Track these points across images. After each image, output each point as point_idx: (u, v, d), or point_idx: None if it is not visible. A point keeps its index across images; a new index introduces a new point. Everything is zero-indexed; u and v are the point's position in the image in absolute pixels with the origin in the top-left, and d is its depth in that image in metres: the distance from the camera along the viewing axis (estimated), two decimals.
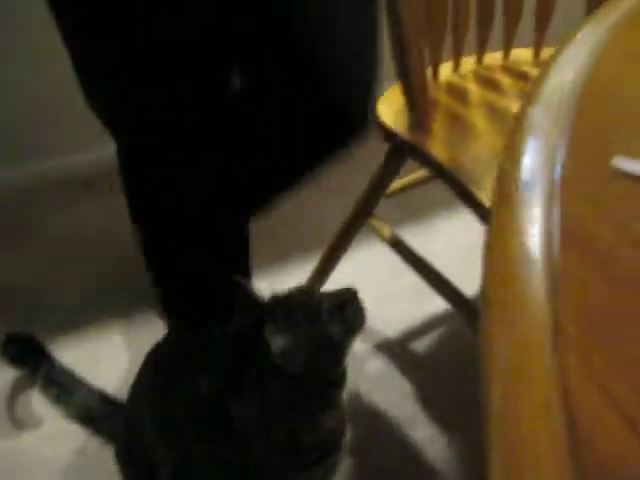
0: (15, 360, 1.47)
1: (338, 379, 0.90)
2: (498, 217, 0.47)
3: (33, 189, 2.02)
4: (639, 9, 0.82)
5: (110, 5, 0.87)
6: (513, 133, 0.60)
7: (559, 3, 1.35)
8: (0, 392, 1.49)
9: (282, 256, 1.78)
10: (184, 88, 0.96)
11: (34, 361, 1.44)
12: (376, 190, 1.36)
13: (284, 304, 0.88)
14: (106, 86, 0.99)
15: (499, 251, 0.45)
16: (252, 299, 0.89)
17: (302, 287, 0.92)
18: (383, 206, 1.40)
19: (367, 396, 1.41)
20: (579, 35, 0.79)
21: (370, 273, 1.66)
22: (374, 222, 1.40)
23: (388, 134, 1.24)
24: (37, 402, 1.45)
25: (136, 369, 1.16)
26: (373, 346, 1.52)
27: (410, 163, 1.27)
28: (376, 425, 1.37)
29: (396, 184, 1.40)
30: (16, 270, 1.79)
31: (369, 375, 1.47)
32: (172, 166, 1.05)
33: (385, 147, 1.29)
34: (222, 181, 1.10)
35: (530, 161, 0.53)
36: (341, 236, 1.47)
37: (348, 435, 0.96)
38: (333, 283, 1.54)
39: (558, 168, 0.51)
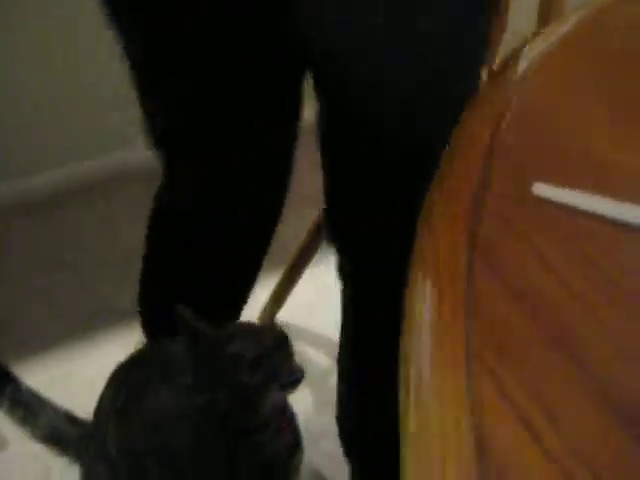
0: None
1: (261, 424, 0.89)
2: (420, 240, 0.49)
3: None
4: (579, 29, 0.85)
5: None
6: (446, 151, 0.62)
7: (511, 19, 1.38)
8: None
9: None
10: (178, 87, 0.95)
11: None
12: None
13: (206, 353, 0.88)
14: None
15: (421, 272, 0.47)
16: (192, 330, 0.89)
17: (235, 327, 0.91)
18: None
19: (329, 412, 1.42)
20: (521, 54, 0.81)
21: (332, 290, 1.67)
22: None
23: None
24: (2, 424, 1.45)
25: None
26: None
27: None
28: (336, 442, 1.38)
29: None
30: None
31: (332, 389, 1.48)
32: (172, 167, 1.05)
33: None
34: (217, 179, 1.08)
35: (454, 183, 0.56)
36: (303, 250, 1.48)
37: (300, 459, 0.96)
38: (293, 300, 1.55)
39: (482, 191, 0.54)
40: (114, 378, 1.15)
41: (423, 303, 0.45)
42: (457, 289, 0.44)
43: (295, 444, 0.94)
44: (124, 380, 1.13)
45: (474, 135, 0.61)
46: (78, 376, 1.57)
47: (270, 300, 1.55)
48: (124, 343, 1.59)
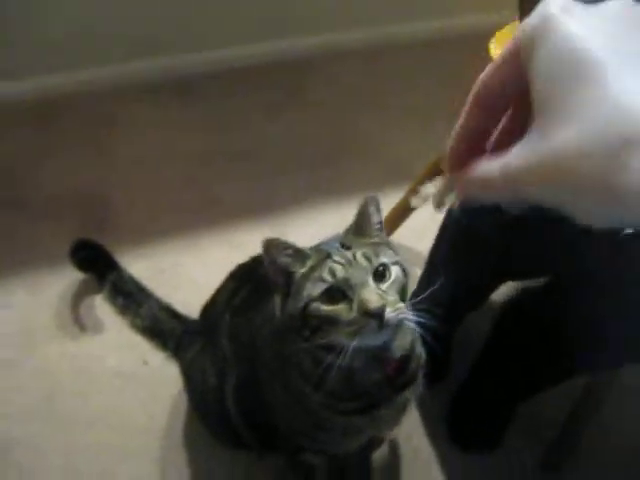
0: (83, 265, 1.45)
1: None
2: None
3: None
4: None
5: None
6: None
7: None
8: (65, 294, 1.48)
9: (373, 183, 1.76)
10: None
11: (102, 268, 1.42)
12: None
13: None
14: None
15: None
16: None
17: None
18: None
19: None
20: None
21: None
22: None
23: None
24: (101, 309, 1.45)
25: (205, 284, 1.13)
26: None
27: None
28: None
29: None
30: (97, 177, 1.79)
31: None
32: None
33: None
34: None
35: None
36: (425, 177, 1.43)
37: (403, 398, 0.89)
38: (406, 223, 1.51)
39: None
40: (234, 276, 1.11)
41: None
42: None
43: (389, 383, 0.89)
44: (245, 279, 1.08)
45: None
46: (182, 271, 1.55)
47: (386, 221, 1.50)
48: (228, 241, 1.57)
